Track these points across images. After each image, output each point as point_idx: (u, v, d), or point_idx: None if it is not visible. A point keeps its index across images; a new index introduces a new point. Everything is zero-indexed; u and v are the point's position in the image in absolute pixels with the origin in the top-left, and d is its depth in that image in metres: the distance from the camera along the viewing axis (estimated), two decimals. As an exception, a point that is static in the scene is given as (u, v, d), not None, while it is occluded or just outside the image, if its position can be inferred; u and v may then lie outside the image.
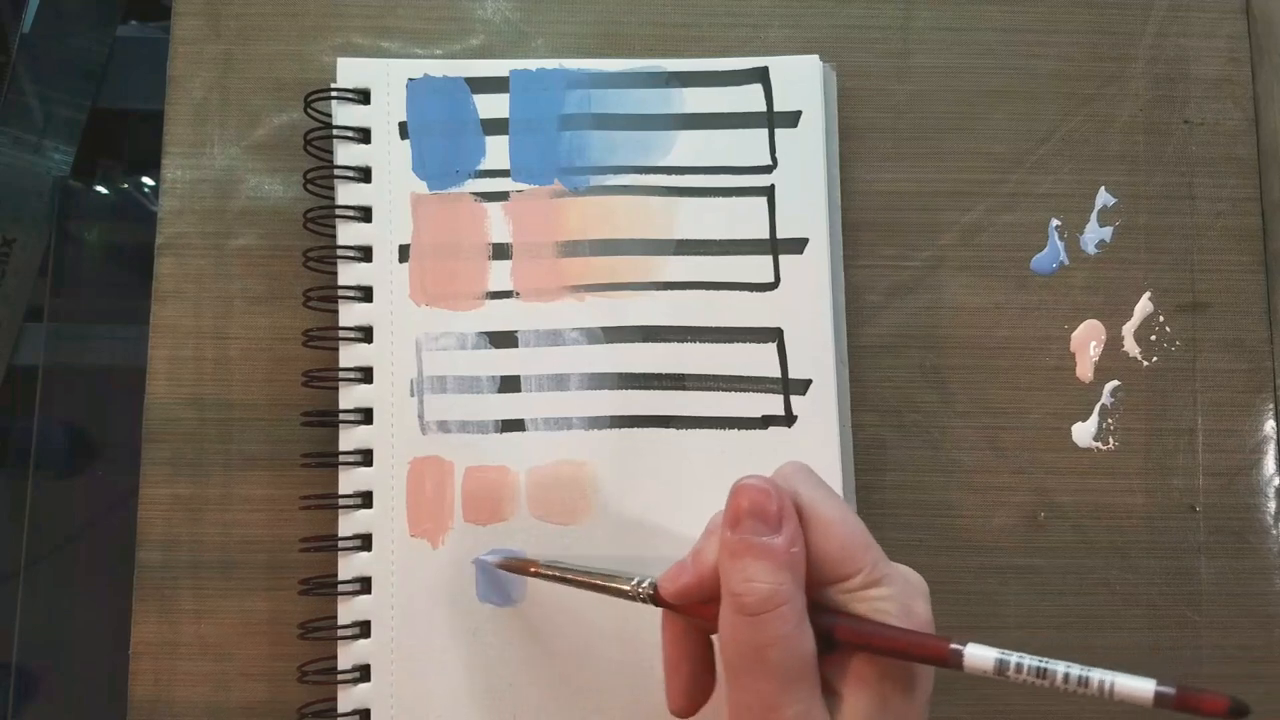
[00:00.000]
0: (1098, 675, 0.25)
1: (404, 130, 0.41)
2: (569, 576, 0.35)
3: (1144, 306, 0.43)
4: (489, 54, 0.44)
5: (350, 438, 0.40)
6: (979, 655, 0.26)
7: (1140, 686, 0.24)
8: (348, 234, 0.41)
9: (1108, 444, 0.42)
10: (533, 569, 0.37)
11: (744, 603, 0.28)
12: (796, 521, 0.29)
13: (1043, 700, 0.41)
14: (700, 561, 0.31)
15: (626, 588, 0.33)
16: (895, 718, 0.28)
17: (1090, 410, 0.43)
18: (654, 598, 0.32)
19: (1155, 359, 0.43)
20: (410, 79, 0.42)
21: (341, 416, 0.40)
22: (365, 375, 0.40)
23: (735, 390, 0.40)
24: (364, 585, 0.39)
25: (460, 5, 0.44)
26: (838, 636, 0.28)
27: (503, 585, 0.39)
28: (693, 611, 0.31)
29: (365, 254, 0.41)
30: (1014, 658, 0.26)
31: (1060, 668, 0.25)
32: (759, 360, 0.41)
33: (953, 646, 0.27)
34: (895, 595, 0.29)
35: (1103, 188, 0.44)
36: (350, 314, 0.40)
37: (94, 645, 0.42)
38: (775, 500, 0.29)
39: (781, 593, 0.28)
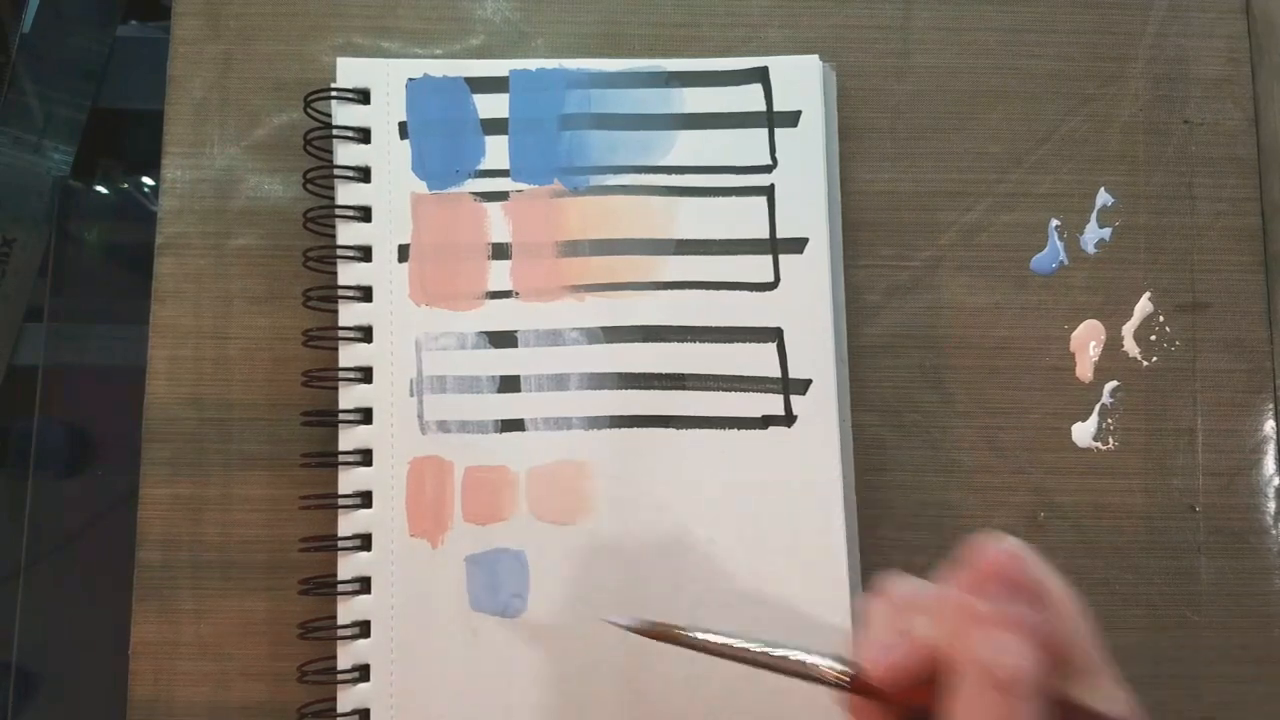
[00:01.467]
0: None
1: (404, 130, 0.41)
2: (730, 652, 0.30)
3: (1144, 306, 0.43)
4: (489, 54, 0.44)
5: (350, 438, 0.40)
6: None
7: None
8: (347, 234, 0.41)
9: (1107, 444, 0.42)
10: (675, 636, 0.31)
11: (998, 678, 0.25)
12: (1047, 597, 0.27)
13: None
14: (913, 638, 0.27)
15: (820, 670, 0.28)
16: None
17: (1090, 410, 0.43)
18: (854, 681, 0.28)
19: (1155, 359, 0.43)
20: (410, 79, 0.42)
21: (341, 416, 0.40)
22: (365, 375, 0.40)
23: (735, 390, 0.40)
24: (364, 585, 0.39)
25: (460, 5, 0.44)
26: None
27: (500, 595, 0.39)
28: (899, 697, 0.27)
29: (365, 254, 0.41)
30: None
31: None
32: (759, 360, 0.41)
33: None
34: (1125, 695, 0.26)
35: (1102, 188, 0.44)
36: (350, 314, 0.40)
37: (94, 645, 0.42)
38: (1028, 569, 0.27)
39: (1036, 671, 0.25)
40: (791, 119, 0.42)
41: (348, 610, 0.39)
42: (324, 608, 0.39)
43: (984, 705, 0.25)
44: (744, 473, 0.40)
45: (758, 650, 0.29)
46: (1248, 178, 0.44)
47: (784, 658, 0.29)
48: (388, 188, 0.41)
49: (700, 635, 0.30)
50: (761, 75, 0.42)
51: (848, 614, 0.39)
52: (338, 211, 0.41)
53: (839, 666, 0.28)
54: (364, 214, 0.41)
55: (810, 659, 0.28)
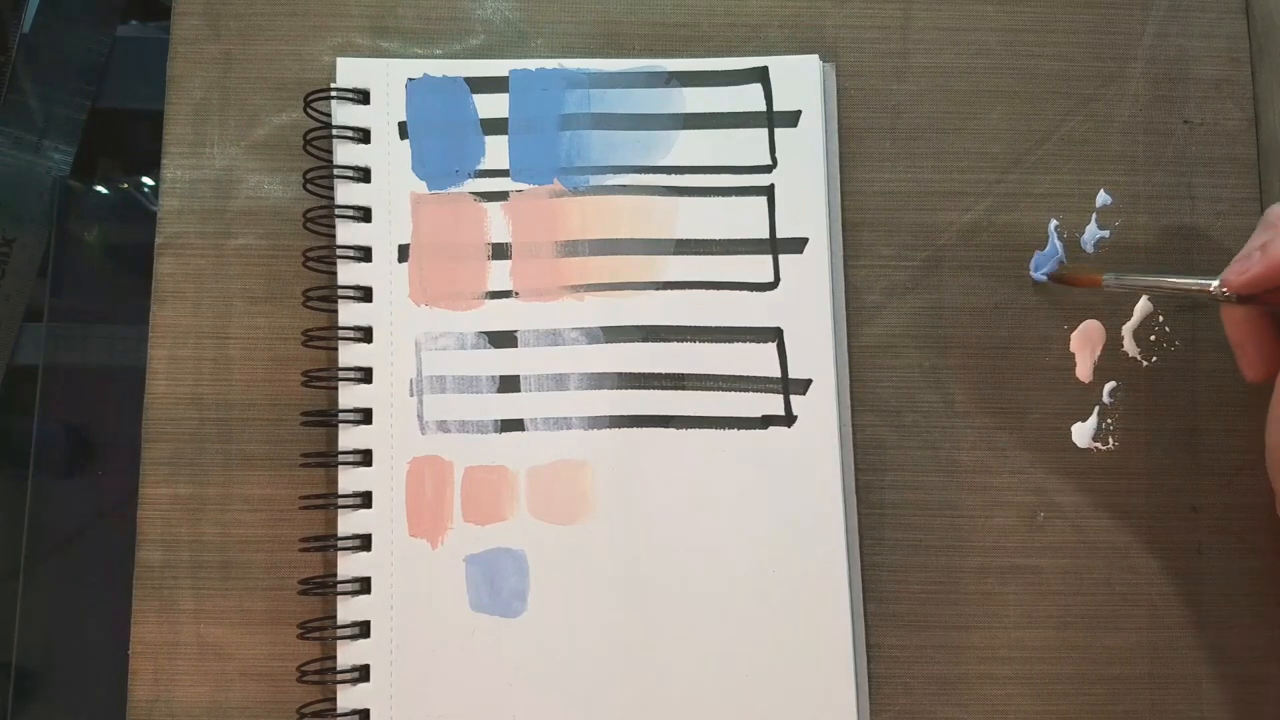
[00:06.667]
0: None
1: (404, 130, 0.42)
2: (1138, 284, 0.39)
3: (1144, 306, 0.43)
4: (489, 54, 0.44)
5: (350, 438, 0.40)
6: None
7: None
8: (347, 234, 0.41)
9: (1107, 444, 0.42)
10: (1093, 279, 0.39)
11: None
12: None
13: (1044, 700, 0.41)
14: (1271, 253, 0.34)
15: (1209, 288, 0.36)
16: None
17: (1090, 410, 0.43)
18: (1229, 294, 0.35)
19: (1155, 359, 0.43)
20: (410, 79, 0.42)
21: (341, 416, 0.40)
22: (365, 375, 0.40)
23: (735, 390, 0.40)
24: (363, 585, 0.39)
25: (460, 5, 0.44)
26: None
27: (500, 595, 0.39)
28: (1265, 300, 0.35)
29: (365, 254, 0.41)
30: None
31: None
32: (759, 360, 0.41)
33: None
34: None
35: (1102, 188, 0.44)
36: (350, 314, 0.40)
37: (94, 645, 0.42)
38: None
39: None
40: (791, 119, 0.42)
41: (348, 610, 0.39)
42: (324, 608, 0.39)
43: None
44: (744, 473, 0.40)
45: (1154, 281, 0.38)
46: (1248, 178, 0.44)
47: (1181, 283, 0.37)
48: (388, 188, 0.41)
49: (1109, 278, 0.39)
50: (761, 75, 0.42)
51: (848, 613, 0.39)
52: (338, 211, 0.41)
53: (1219, 288, 0.36)
54: (364, 214, 0.41)
55: (1198, 281, 0.36)
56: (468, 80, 0.42)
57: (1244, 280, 0.35)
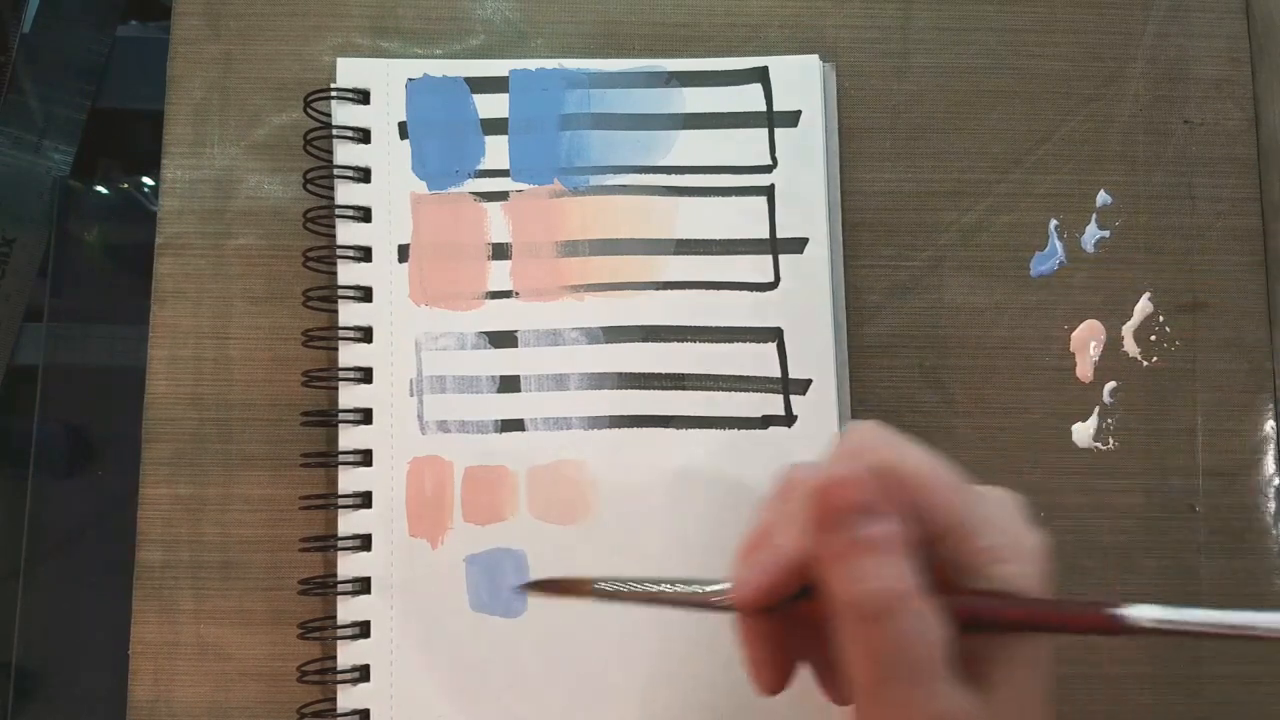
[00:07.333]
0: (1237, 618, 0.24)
1: (404, 130, 0.41)
2: (626, 594, 0.30)
3: (1144, 306, 0.43)
4: (489, 54, 0.44)
5: (350, 438, 0.40)
6: (1143, 616, 0.25)
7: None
8: (347, 234, 0.41)
9: (1108, 444, 0.42)
10: (572, 589, 0.31)
11: (863, 610, 0.24)
12: (896, 496, 0.26)
13: (1043, 700, 0.41)
14: (777, 554, 0.27)
15: (710, 599, 0.28)
16: (1045, 676, 0.26)
17: (1090, 410, 0.43)
18: (739, 603, 0.28)
19: (1155, 359, 0.43)
20: (410, 79, 0.42)
21: (341, 416, 0.40)
22: (365, 375, 0.40)
23: (735, 390, 0.40)
24: (363, 585, 0.39)
25: (460, 5, 0.44)
26: (982, 619, 0.26)
27: (500, 595, 0.39)
28: (781, 610, 0.27)
29: (365, 254, 0.41)
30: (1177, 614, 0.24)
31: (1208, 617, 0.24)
32: (759, 360, 0.41)
33: (1113, 612, 0.25)
34: (1014, 553, 0.26)
35: (1102, 188, 0.44)
36: (350, 314, 0.40)
37: (94, 645, 0.42)
38: (867, 488, 0.25)
39: (901, 585, 0.24)
40: (791, 119, 0.42)
41: (348, 610, 0.39)
42: (324, 608, 0.39)
43: (859, 637, 0.24)
44: (744, 473, 0.40)
45: (652, 589, 0.29)
46: (1248, 178, 0.44)
47: (676, 592, 0.29)
48: (388, 188, 0.41)
49: (599, 584, 0.30)
50: (761, 75, 0.42)
51: (848, 614, 0.39)
52: (338, 211, 0.41)
53: (723, 589, 0.27)
54: (364, 214, 0.41)
55: (700, 588, 0.28)
56: (468, 80, 0.42)
57: (753, 595, 0.27)
